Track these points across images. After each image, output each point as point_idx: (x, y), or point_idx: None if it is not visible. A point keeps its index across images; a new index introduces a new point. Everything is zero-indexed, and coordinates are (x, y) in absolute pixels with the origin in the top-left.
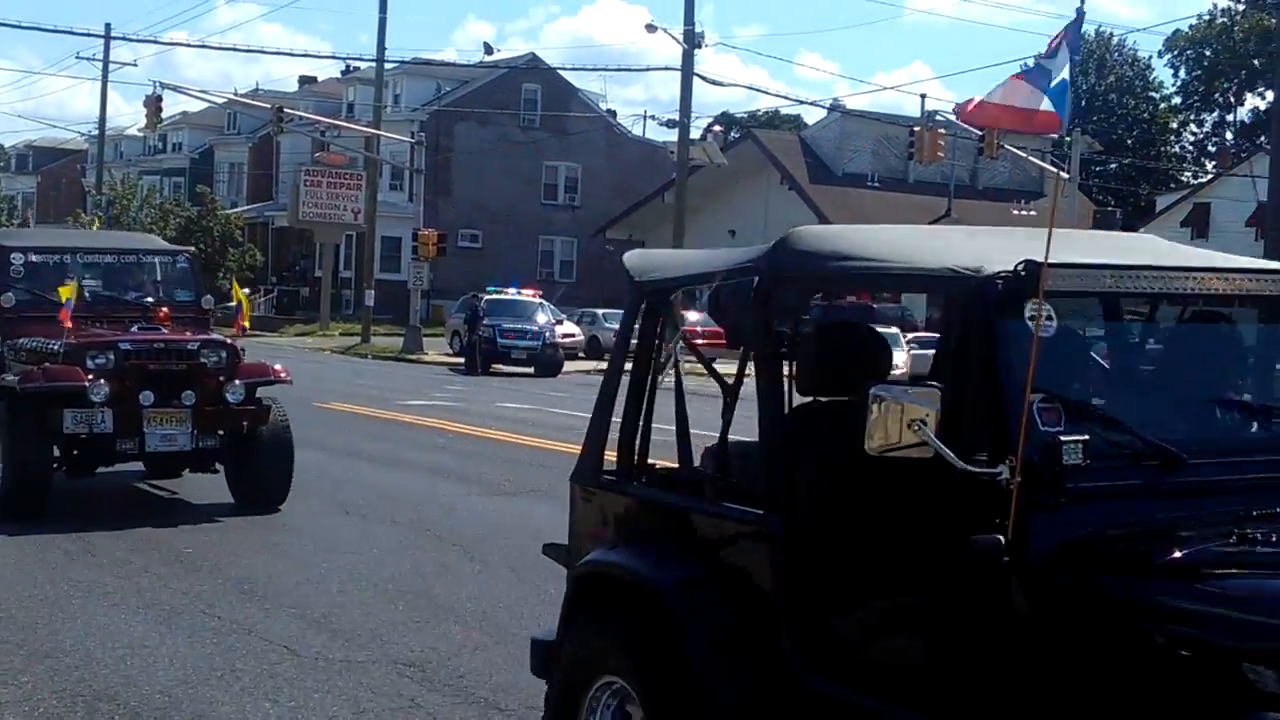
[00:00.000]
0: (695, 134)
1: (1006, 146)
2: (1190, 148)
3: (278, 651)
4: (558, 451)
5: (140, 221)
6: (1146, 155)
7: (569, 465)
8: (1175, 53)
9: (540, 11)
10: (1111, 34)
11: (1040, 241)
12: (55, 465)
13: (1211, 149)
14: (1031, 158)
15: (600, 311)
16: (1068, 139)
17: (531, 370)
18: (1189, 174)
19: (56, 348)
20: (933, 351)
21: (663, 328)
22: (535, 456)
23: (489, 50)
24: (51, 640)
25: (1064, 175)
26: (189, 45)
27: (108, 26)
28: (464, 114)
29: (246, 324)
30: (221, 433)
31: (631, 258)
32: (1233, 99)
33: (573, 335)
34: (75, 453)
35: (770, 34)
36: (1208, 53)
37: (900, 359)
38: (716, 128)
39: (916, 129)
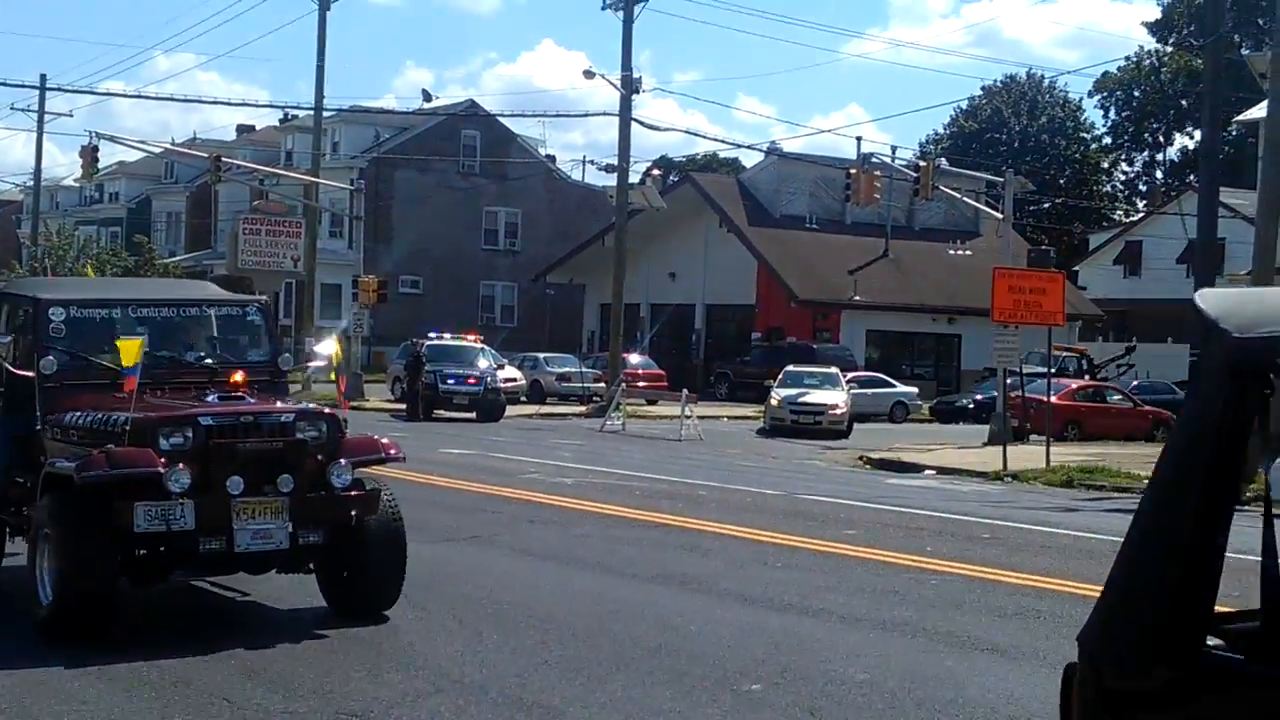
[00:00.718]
0: (634, 178)
1: (941, 188)
2: (1121, 187)
3: (217, 704)
4: (500, 497)
5: (77, 272)
6: (1079, 195)
7: (512, 510)
8: (1105, 94)
9: (478, 58)
10: (1043, 76)
11: None
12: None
13: (1142, 188)
14: (966, 198)
15: (541, 355)
16: (1001, 180)
17: (473, 415)
18: (1121, 213)
19: (120, 424)
20: (874, 391)
21: (1265, 412)
22: (478, 502)
23: (428, 97)
24: None
25: (999, 215)
26: (125, 95)
27: (43, 77)
28: (403, 160)
29: (339, 388)
30: (324, 525)
31: (1220, 301)
32: (1162, 139)
33: (514, 380)
34: (145, 556)
35: (708, 78)
36: (1136, 94)
37: (840, 399)
38: (655, 171)
39: (853, 171)
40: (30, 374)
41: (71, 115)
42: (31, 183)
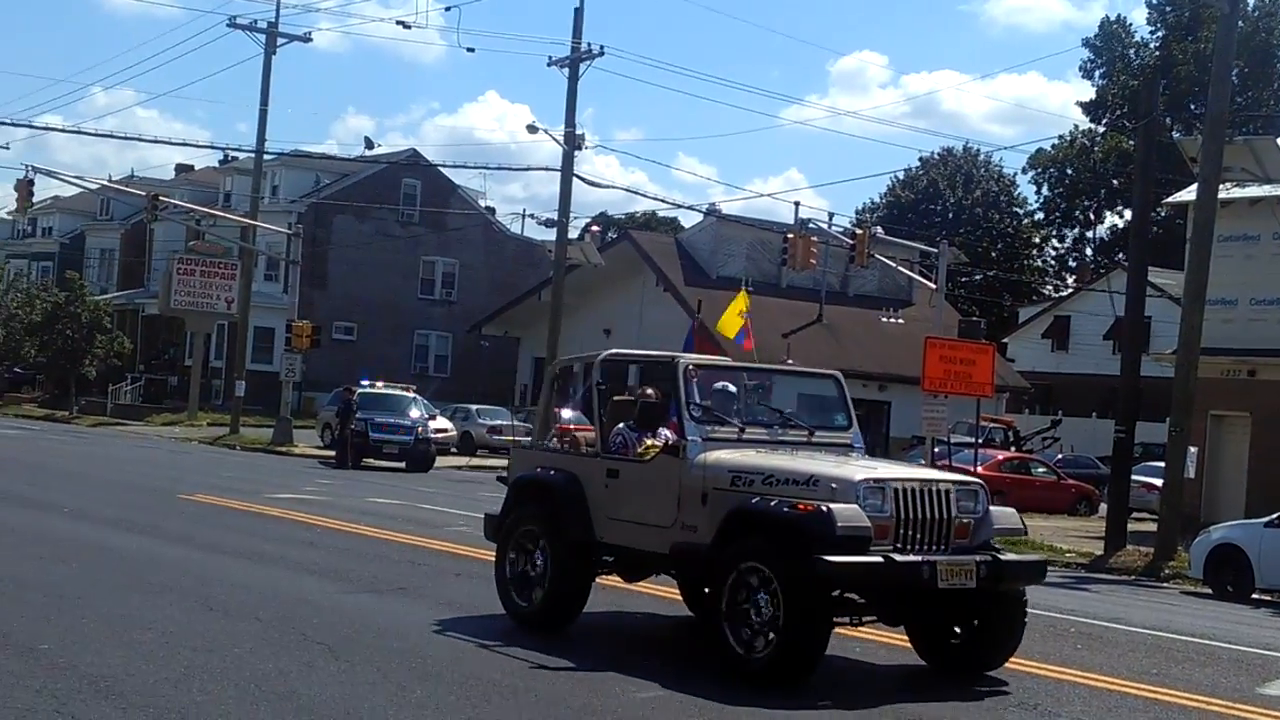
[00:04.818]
0: (573, 233)
1: (876, 256)
2: (1052, 262)
3: None
4: (427, 549)
5: (6, 305)
6: (1010, 268)
7: (438, 562)
8: (1039, 170)
9: (421, 108)
10: (979, 150)
11: None
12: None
13: (1072, 264)
14: (900, 267)
15: (474, 407)
16: (935, 250)
17: (403, 465)
18: (1050, 287)
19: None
20: None
21: None
22: (405, 553)
23: (370, 145)
24: None
25: (932, 285)
26: (63, 130)
27: None
28: (343, 207)
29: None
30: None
31: None
32: (1092, 216)
33: (445, 430)
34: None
35: (649, 138)
36: (1069, 171)
37: None
38: (594, 228)
39: (790, 235)
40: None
41: (8, 148)
42: None
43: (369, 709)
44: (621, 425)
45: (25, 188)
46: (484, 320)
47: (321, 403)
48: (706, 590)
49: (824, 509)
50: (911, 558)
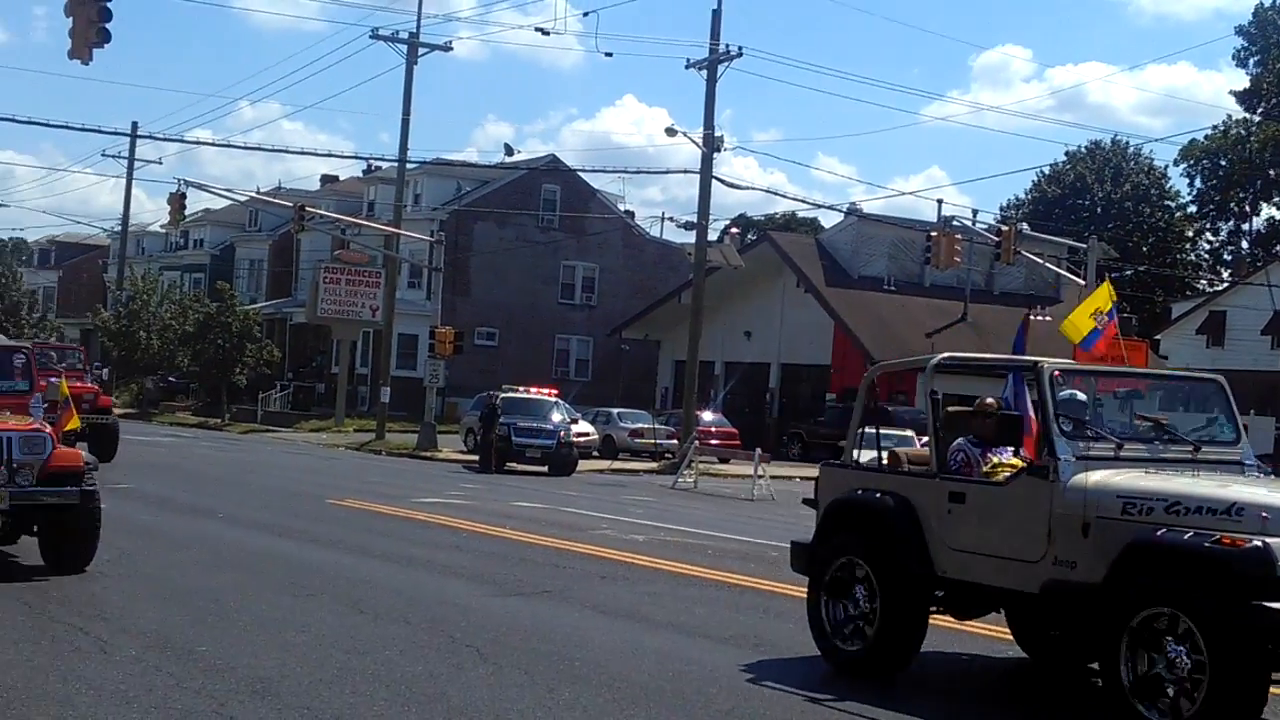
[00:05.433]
0: (713, 235)
1: (1022, 252)
2: (1206, 256)
3: None
4: (572, 552)
5: (160, 316)
6: (1162, 263)
7: (583, 566)
8: (1191, 162)
9: (559, 113)
10: (1128, 143)
11: None
12: None
13: (1227, 257)
14: (1047, 264)
15: (615, 411)
16: (1083, 245)
17: (545, 469)
18: (1204, 282)
19: None
20: None
21: None
22: (549, 556)
23: (510, 151)
24: None
25: (1080, 281)
26: (213, 144)
27: (134, 125)
28: (483, 213)
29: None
30: None
31: None
32: (1248, 208)
33: (587, 434)
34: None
35: (788, 138)
36: (1223, 162)
37: None
38: (734, 230)
39: (933, 233)
40: None
41: (160, 163)
42: (119, 228)
43: (518, 711)
44: (961, 440)
45: (178, 201)
46: (624, 324)
47: (464, 408)
48: (1090, 639)
49: (1260, 544)
50: None
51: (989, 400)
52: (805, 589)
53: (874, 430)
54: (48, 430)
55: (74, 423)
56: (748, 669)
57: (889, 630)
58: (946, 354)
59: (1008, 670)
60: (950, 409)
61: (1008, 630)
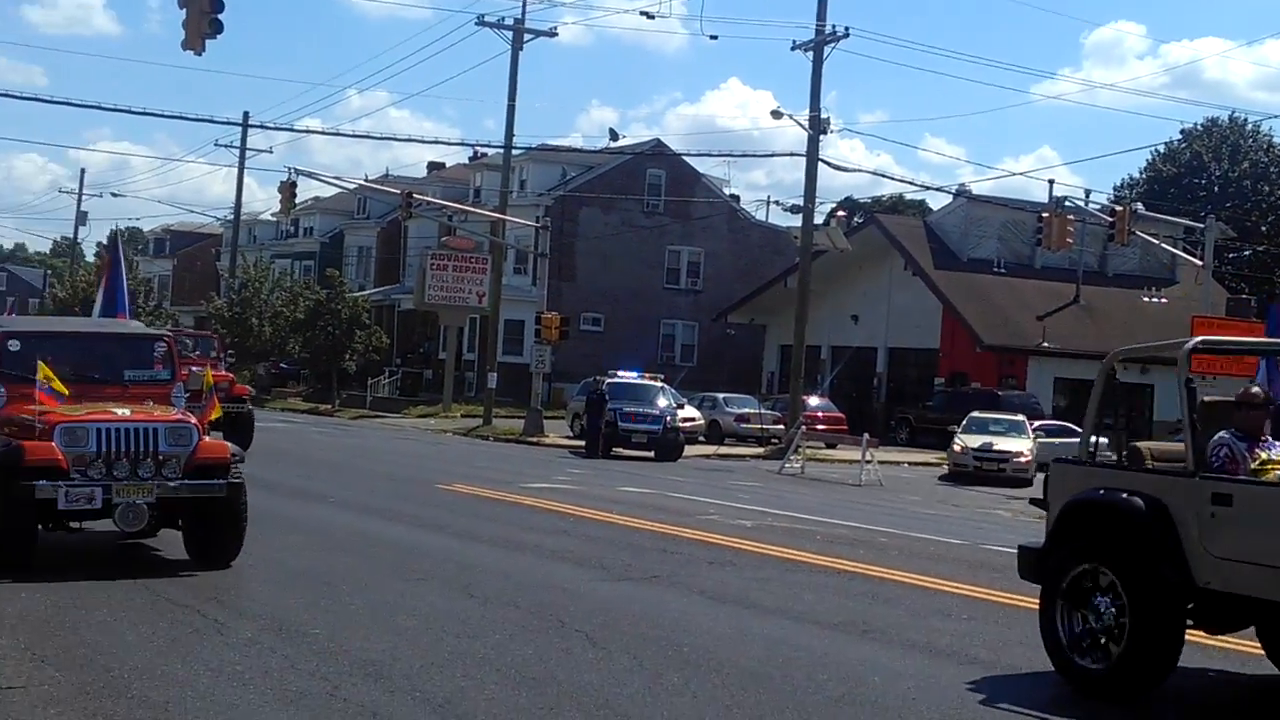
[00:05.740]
0: (819, 219)
1: (1137, 233)
2: None
3: None
4: (680, 537)
5: (272, 304)
6: None
7: (691, 551)
8: None
9: (663, 98)
10: (1246, 119)
11: None
12: None
13: None
14: (1163, 244)
15: (721, 395)
16: (1200, 225)
17: (651, 454)
18: None
19: None
20: (1060, 440)
21: None
22: (657, 542)
23: (614, 136)
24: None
25: (1198, 262)
26: (322, 133)
27: (245, 115)
28: (588, 199)
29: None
30: None
31: None
32: None
33: (693, 419)
34: None
35: (895, 119)
36: None
37: (1026, 447)
38: (840, 213)
39: (1045, 215)
40: None
41: (270, 151)
42: (231, 217)
43: (626, 695)
44: (1224, 434)
45: (288, 190)
46: (730, 308)
47: (570, 393)
48: None
49: None
50: None
51: (1254, 389)
52: (913, 575)
53: (1108, 421)
54: (193, 421)
55: (217, 412)
56: (858, 656)
57: (1141, 645)
58: (1201, 338)
59: (1262, 688)
60: (1207, 399)
61: (1255, 643)
